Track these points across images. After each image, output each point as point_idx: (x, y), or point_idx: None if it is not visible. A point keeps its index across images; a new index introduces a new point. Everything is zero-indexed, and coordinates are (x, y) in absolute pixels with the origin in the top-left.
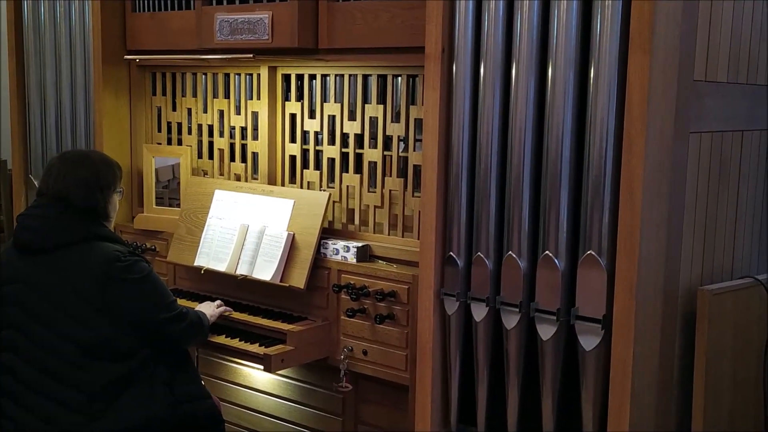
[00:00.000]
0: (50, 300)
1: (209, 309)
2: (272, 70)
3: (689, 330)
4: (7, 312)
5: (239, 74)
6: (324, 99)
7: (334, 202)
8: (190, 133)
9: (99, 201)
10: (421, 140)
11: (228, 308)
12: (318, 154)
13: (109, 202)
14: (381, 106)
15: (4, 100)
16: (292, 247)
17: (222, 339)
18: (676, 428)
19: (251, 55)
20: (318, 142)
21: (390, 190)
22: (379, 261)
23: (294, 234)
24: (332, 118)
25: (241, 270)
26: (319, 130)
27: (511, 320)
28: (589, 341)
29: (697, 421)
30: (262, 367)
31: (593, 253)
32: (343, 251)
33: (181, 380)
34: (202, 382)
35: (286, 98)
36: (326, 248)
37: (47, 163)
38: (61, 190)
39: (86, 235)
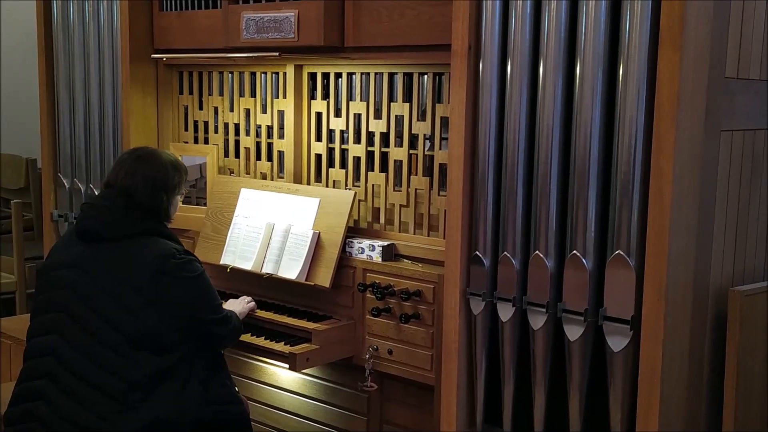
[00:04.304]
0: (103, 287)
1: (238, 306)
2: (298, 69)
3: (720, 331)
4: (59, 294)
5: (265, 73)
6: (350, 97)
7: (359, 200)
8: (216, 131)
9: (163, 201)
10: (447, 139)
11: (255, 304)
12: (343, 152)
13: (172, 203)
14: (407, 105)
15: (33, 99)
16: (317, 246)
17: (248, 337)
18: (706, 429)
19: (277, 54)
20: (343, 140)
21: (415, 189)
22: (405, 260)
23: (319, 233)
24: (358, 116)
25: (267, 268)
26: (344, 128)
27: (537, 320)
28: (617, 342)
29: (727, 422)
30: (287, 365)
31: (622, 252)
32: (368, 250)
33: (216, 382)
34: (236, 388)
35: (312, 97)
36: (351, 247)
37: (118, 157)
38: (129, 186)
39: (145, 230)
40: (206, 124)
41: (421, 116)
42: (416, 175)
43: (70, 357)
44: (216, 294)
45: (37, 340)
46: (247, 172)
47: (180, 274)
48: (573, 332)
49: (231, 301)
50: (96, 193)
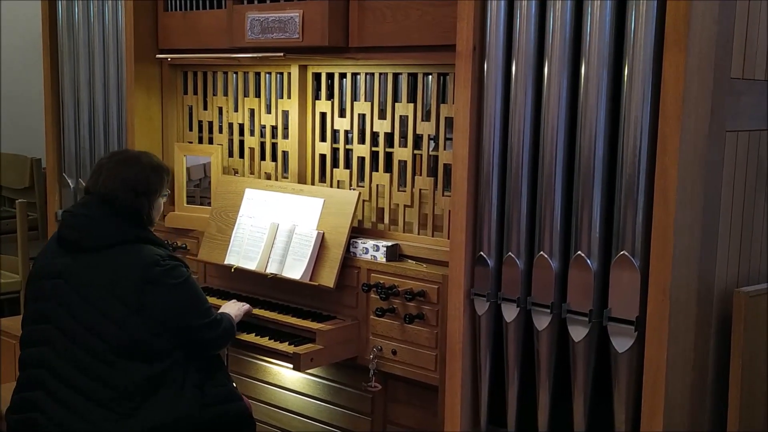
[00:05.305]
0: (88, 298)
1: (234, 309)
2: (303, 69)
3: (725, 332)
4: (45, 306)
5: (270, 73)
6: (354, 98)
7: (363, 201)
8: (221, 131)
9: (144, 206)
10: (451, 139)
11: (250, 306)
12: (348, 152)
13: (154, 207)
14: (411, 105)
15: (38, 99)
16: (321, 246)
17: (252, 337)
18: (710, 429)
19: (282, 54)
20: (348, 140)
21: (420, 189)
22: (409, 260)
23: (324, 233)
24: (362, 116)
25: (271, 269)
26: (349, 128)
27: (542, 321)
28: (622, 343)
29: (732, 422)
30: (291, 365)
31: (626, 253)
32: (372, 250)
33: (212, 383)
34: (234, 385)
35: (317, 97)
36: (356, 247)
37: (97, 162)
38: (109, 192)
39: (128, 238)
40: (211, 124)
41: (426, 116)
42: (420, 175)
43: (61, 368)
44: (204, 298)
45: (29, 351)
46: (252, 172)
47: (166, 281)
48: (577, 333)
49: (227, 303)
50: None
